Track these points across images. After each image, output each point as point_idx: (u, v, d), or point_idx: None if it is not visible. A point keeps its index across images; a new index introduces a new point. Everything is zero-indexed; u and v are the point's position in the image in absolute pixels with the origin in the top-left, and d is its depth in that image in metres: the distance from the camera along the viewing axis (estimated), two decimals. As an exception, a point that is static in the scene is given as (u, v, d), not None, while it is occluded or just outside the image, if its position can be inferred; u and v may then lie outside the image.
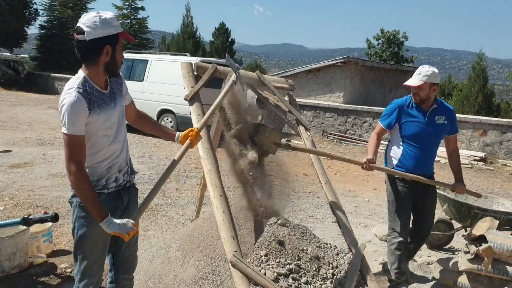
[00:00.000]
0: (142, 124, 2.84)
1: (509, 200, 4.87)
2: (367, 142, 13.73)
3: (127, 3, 32.01)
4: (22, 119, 12.95)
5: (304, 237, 3.37)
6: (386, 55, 29.04)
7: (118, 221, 2.29)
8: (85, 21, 2.28)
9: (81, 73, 2.32)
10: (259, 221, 3.56)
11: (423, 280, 3.93)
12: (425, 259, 4.35)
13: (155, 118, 11.28)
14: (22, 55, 29.52)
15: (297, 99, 16.39)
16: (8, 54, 28.86)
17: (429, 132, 3.73)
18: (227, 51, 38.95)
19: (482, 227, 3.62)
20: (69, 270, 3.75)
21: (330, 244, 3.42)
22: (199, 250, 3.48)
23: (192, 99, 3.60)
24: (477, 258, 3.46)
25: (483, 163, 12.15)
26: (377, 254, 4.56)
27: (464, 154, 12.55)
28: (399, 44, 29.41)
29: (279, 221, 3.36)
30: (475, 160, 12.28)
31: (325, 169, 3.80)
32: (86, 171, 2.33)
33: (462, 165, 11.55)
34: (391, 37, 29.06)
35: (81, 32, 2.27)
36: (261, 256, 3.07)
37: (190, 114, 3.59)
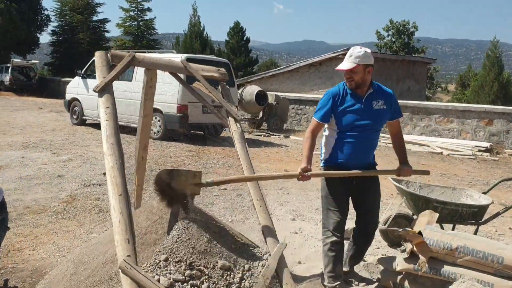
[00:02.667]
0: None
1: (479, 191, 4.46)
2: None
3: (133, 5, 32.10)
4: (17, 124, 12.96)
5: (218, 238, 3.08)
6: (396, 46, 28.31)
7: None
8: None
9: None
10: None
11: (367, 281, 3.57)
12: (375, 259, 3.98)
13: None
14: (33, 61, 29.98)
15: (299, 94, 16.12)
16: (19, 60, 29.34)
17: (367, 119, 3.37)
18: (242, 50, 38.88)
19: (421, 222, 3.26)
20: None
21: (247, 244, 3.12)
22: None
23: (102, 90, 3.33)
24: (413, 257, 3.09)
25: (488, 154, 11.58)
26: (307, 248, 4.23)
27: (469, 144, 12.01)
28: (409, 35, 28.62)
29: (189, 222, 3.07)
30: (479, 150, 11.72)
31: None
32: None
33: (465, 156, 11.05)
34: (400, 27, 28.29)
35: None
36: (159, 261, 2.79)
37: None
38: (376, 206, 3.52)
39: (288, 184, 6.95)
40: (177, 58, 10.67)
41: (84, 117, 12.85)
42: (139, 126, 3.90)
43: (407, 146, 12.21)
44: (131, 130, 9.62)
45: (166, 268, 2.74)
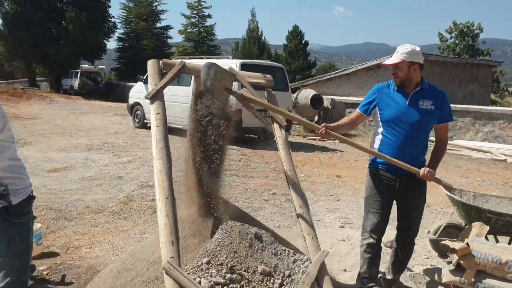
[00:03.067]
0: None
1: (540, 203, 4.21)
2: (430, 141, 12.87)
3: (195, 12, 33.00)
4: (83, 126, 13.71)
5: (259, 243, 3.13)
6: (459, 49, 27.14)
7: None
8: None
9: None
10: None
11: (413, 292, 3.50)
12: (423, 269, 3.87)
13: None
14: (100, 67, 31.58)
15: (356, 98, 15.89)
16: (87, 66, 30.98)
17: (411, 117, 3.27)
18: (301, 53, 38.89)
19: (470, 233, 3.14)
20: (45, 272, 3.80)
21: (288, 250, 3.15)
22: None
23: (153, 97, 3.49)
24: (459, 269, 2.99)
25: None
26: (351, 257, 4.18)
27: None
28: (474, 37, 27.31)
29: (232, 227, 3.15)
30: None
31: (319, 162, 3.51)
32: None
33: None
34: (464, 29, 27.07)
35: None
36: (201, 264, 2.89)
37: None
38: (418, 211, 3.43)
39: (340, 191, 6.89)
40: (233, 63, 10.95)
41: (145, 121, 13.37)
42: (189, 130, 4.04)
43: (469, 152, 11.78)
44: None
45: (207, 271, 2.83)
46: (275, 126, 3.81)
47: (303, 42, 38.80)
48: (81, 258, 4.12)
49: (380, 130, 3.38)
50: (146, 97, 3.54)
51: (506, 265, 2.85)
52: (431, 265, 4.00)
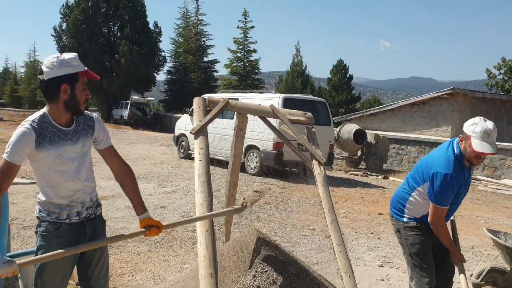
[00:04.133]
0: (122, 180, 2.78)
1: None
2: (477, 180, 12.46)
3: (240, 47, 33.89)
4: (131, 155, 14.19)
5: (296, 279, 3.16)
6: (508, 85, 26.32)
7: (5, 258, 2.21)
8: (45, 62, 2.46)
9: (43, 110, 2.50)
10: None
11: None
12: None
13: (243, 153, 11.60)
14: (149, 98, 32.76)
15: (400, 134, 15.74)
16: (137, 97, 32.22)
17: (466, 189, 3.27)
18: (345, 87, 38.93)
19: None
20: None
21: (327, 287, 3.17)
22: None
23: (197, 132, 3.66)
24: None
25: None
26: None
27: None
28: (524, 73, 26.46)
29: (268, 262, 3.21)
30: None
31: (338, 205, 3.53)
32: (49, 203, 2.48)
33: None
34: (514, 65, 26.34)
35: (41, 72, 2.45)
36: (242, 299, 2.96)
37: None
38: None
39: (381, 229, 6.80)
40: (276, 98, 11.15)
41: (189, 152, 13.71)
42: (230, 165, 4.18)
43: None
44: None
45: (244, 304, 2.89)
46: (314, 163, 3.88)
47: (347, 75, 38.84)
48: (123, 285, 4.26)
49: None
50: (191, 133, 3.72)
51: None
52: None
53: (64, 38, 32.70)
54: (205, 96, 4.34)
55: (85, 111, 2.66)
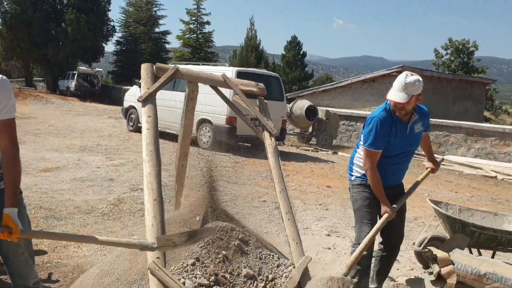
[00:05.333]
0: (1, 162, 2.37)
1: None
2: (423, 155, 12.95)
3: (193, 18, 33.20)
4: (77, 128, 13.73)
5: (244, 247, 3.18)
6: (454, 65, 27.44)
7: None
8: None
9: None
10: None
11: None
12: (405, 279, 3.94)
13: (194, 127, 11.46)
14: (97, 69, 31.59)
15: (351, 110, 16.01)
16: (84, 68, 31.01)
17: (409, 145, 3.39)
18: (298, 64, 39.09)
19: (451, 245, 3.20)
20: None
21: (273, 255, 3.21)
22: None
23: (145, 100, 3.54)
24: (440, 280, 3.05)
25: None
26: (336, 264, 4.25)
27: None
28: (469, 54, 27.63)
29: (218, 229, 3.20)
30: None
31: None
32: None
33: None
34: (460, 46, 27.41)
35: None
36: (187, 265, 2.93)
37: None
38: (401, 219, 3.51)
39: (329, 200, 6.96)
40: (229, 71, 11.03)
41: (139, 125, 13.39)
42: (180, 135, 4.10)
43: (460, 168, 11.88)
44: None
45: (192, 272, 2.88)
46: (265, 134, 3.87)
47: (301, 52, 39.00)
48: (69, 257, 4.14)
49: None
50: (138, 100, 3.59)
51: (484, 277, 2.91)
52: (415, 276, 4.05)
53: (5, 3, 30.75)
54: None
55: None
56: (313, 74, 42.79)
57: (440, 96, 17.37)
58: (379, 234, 3.56)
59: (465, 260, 3.00)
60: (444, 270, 2.97)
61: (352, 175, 3.56)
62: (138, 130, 13.47)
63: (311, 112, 14.38)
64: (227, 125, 10.88)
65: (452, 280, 2.94)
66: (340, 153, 13.42)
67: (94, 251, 4.31)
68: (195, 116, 13.30)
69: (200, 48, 32.82)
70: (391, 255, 3.56)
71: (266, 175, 8.61)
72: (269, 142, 3.80)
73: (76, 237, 3.13)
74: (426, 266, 4.40)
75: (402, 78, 3.21)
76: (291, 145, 14.38)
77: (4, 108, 2.27)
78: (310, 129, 15.16)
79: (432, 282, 3.08)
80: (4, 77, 2.32)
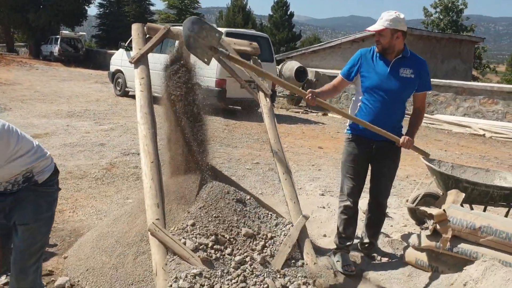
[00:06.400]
0: None
1: (515, 174, 4.37)
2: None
3: (178, -22, 32.36)
4: (64, 93, 13.48)
5: (243, 207, 3.19)
6: (443, 24, 27.26)
7: None
8: None
9: None
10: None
11: (390, 256, 3.64)
12: (400, 236, 4.02)
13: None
14: (80, 33, 30.84)
15: (340, 71, 15.79)
16: (67, 32, 30.23)
17: (391, 85, 3.31)
18: (286, 24, 38.48)
19: (447, 200, 3.26)
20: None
21: (271, 214, 3.23)
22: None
23: (137, 61, 3.47)
24: (435, 235, 3.11)
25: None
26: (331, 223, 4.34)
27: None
28: (458, 12, 27.41)
29: (217, 190, 3.20)
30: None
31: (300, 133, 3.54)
32: None
33: (508, 140, 10.70)
34: (449, 4, 27.14)
35: None
36: (186, 226, 2.94)
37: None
38: (389, 175, 3.52)
39: (321, 161, 7.00)
40: (217, 32, 10.80)
41: (127, 89, 13.20)
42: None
43: (449, 127, 11.99)
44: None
45: (192, 233, 2.89)
46: (261, 95, 3.83)
47: (288, 13, 38.35)
48: (65, 221, 4.14)
49: (360, 96, 3.44)
50: (130, 62, 3.52)
51: (479, 230, 2.97)
52: (409, 232, 4.13)
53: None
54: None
55: None
56: (300, 35, 42.27)
57: (429, 55, 17.31)
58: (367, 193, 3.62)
59: (460, 214, 3.05)
60: (440, 225, 3.02)
61: (346, 129, 3.59)
62: (125, 94, 13.29)
63: (301, 73, 14.28)
64: (217, 88, 10.76)
65: (447, 235, 2.99)
66: (330, 114, 13.42)
67: (90, 215, 4.31)
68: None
69: (185, 9, 32.06)
70: (378, 213, 3.60)
71: (258, 137, 8.61)
72: (264, 103, 3.78)
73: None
74: (419, 223, 4.49)
75: (383, 13, 3.32)
76: (281, 107, 14.34)
77: None
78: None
79: (428, 237, 3.14)
80: None
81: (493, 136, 11.09)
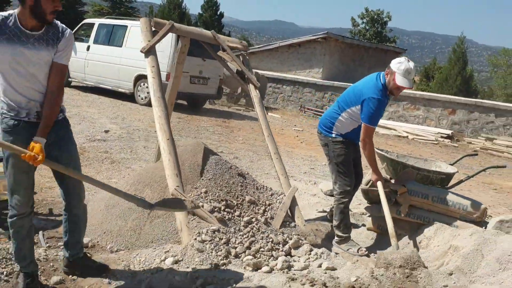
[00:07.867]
0: (45, 98, 2.68)
1: (447, 163, 5.31)
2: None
3: (112, -31, 31.71)
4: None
5: (243, 179, 3.78)
6: (369, 34, 29.39)
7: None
8: None
9: (15, 10, 2.55)
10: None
11: (354, 226, 4.39)
12: (360, 210, 4.81)
13: (132, 83, 11.50)
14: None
15: (277, 73, 16.51)
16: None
17: None
18: (215, 24, 38.81)
19: (404, 178, 4.07)
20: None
21: (266, 186, 3.85)
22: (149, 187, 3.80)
23: (148, 51, 3.92)
24: (396, 205, 3.90)
25: (449, 140, 12.67)
26: (319, 205, 5.01)
27: (432, 131, 13.07)
28: (383, 24, 29.76)
29: (222, 166, 3.76)
30: (442, 137, 12.79)
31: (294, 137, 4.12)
32: (9, 99, 2.59)
33: (428, 141, 11.98)
34: (375, 16, 29.39)
35: None
36: (201, 193, 3.48)
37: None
38: (361, 164, 4.28)
39: (313, 154, 7.71)
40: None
41: (69, 79, 13.05)
42: (169, 84, 4.49)
43: (376, 129, 13.18)
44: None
45: (206, 198, 3.43)
46: (250, 87, 4.42)
47: (218, 13, 38.66)
48: (59, 195, 4.41)
49: (357, 122, 3.90)
50: (141, 51, 3.96)
51: (431, 199, 3.79)
52: (366, 206, 4.90)
53: None
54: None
55: (61, 24, 2.70)
56: (230, 35, 42.86)
57: (358, 62, 18.74)
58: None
59: (416, 188, 3.86)
60: (400, 197, 3.81)
61: (331, 133, 4.00)
62: (68, 85, 13.11)
63: (241, 73, 14.86)
64: (166, 81, 11.06)
65: (406, 203, 3.78)
66: (269, 114, 14.19)
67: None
68: (132, 72, 13.19)
69: (120, 2, 31.50)
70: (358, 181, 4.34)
71: (213, 130, 9.13)
72: (254, 94, 4.37)
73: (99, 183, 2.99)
74: (371, 202, 5.30)
75: (407, 64, 3.71)
76: (221, 105, 14.88)
77: (65, 55, 2.69)
78: (239, 90, 15.71)
79: (390, 206, 3.91)
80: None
81: (415, 138, 12.46)
